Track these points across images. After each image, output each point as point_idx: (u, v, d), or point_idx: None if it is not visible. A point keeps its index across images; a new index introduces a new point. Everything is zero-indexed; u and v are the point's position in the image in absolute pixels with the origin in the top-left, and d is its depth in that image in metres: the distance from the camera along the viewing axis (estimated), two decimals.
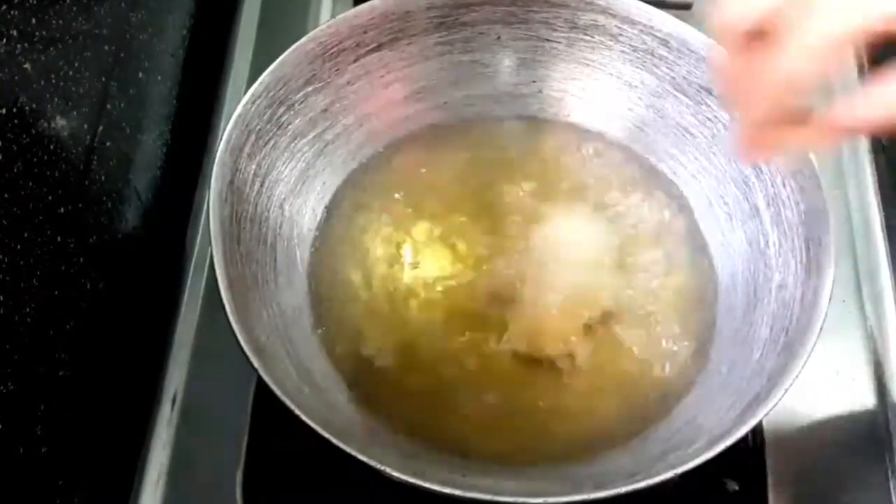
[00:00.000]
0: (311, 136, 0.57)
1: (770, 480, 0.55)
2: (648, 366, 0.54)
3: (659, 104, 0.59)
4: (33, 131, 0.46)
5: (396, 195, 0.58)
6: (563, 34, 0.59)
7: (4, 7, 0.43)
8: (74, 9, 0.50)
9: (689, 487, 0.50)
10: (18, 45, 0.45)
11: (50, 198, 0.48)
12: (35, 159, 0.46)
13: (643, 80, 0.59)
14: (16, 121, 0.44)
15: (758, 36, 0.36)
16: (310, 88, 0.56)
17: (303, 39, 0.56)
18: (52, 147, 0.48)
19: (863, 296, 0.60)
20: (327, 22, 0.57)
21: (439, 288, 0.55)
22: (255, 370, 0.45)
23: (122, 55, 0.57)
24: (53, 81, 0.48)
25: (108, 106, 0.55)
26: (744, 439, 0.52)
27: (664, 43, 0.57)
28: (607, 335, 0.54)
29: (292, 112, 0.56)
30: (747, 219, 0.56)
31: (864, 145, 0.66)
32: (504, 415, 0.52)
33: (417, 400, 0.52)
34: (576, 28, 0.59)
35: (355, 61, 0.58)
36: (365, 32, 0.57)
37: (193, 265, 0.61)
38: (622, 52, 0.59)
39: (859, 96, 0.37)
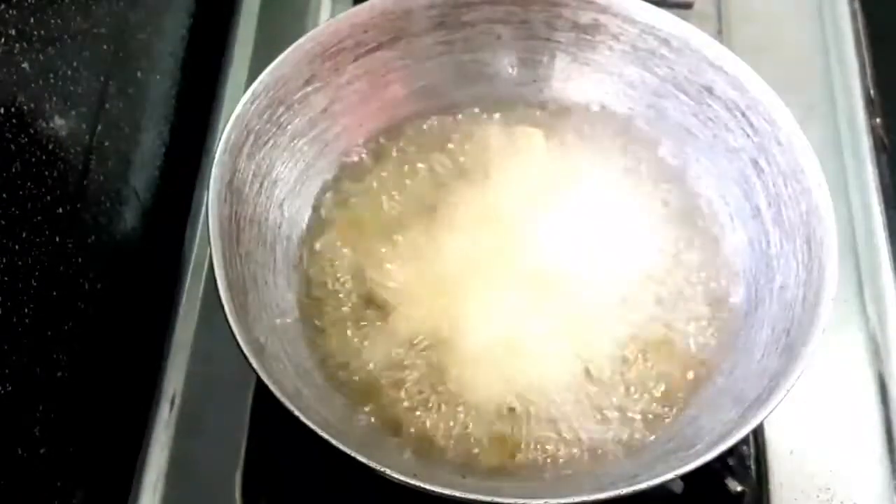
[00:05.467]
0: (310, 135, 0.57)
1: (771, 481, 0.55)
2: (649, 366, 0.53)
3: (660, 104, 0.59)
4: (31, 131, 0.46)
5: (397, 196, 0.58)
6: (563, 33, 0.59)
7: (3, 6, 0.43)
8: (73, 8, 0.50)
9: (691, 488, 0.50)
10: (17, 45, 0.44)
11: (48, 198, 0.48)
12: (33, 159, 0.46)
13: (644, 79, 0.59)
14: (14, 120, 0.44)
15: None
16: (309, 88, 0.56)
17: (302, 39, 0.56)
18: (50, 147, 0.48)
19: (864, 296, 0.60)
20: (327, 21, 0.57)
21: (440, 290, 0.55)
22: (254, 371, 0.45)
23: (120, 55, 0.57)
24: (52, 81, 0.48)
25: (107, 106, 0.55)
26: (745, 440, 0.52)
27: (665, 42, 0.57)
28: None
29: (292, 112, 0.56)
30: (749, 219, 0.56)
31: (866, 144, 0.66)
32: (505, 416, 0.52)
33: (417, 401, 0.52)
34: (577, 27, 0.59)
35: (355, 61, 0.58)
36: (365, 32, 0.57)
37: (192, 266, 0.61)
38: (623, 51, 0.59)
39: None
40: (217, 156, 0.51)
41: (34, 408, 0.48)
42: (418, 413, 0.51)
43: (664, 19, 0.57)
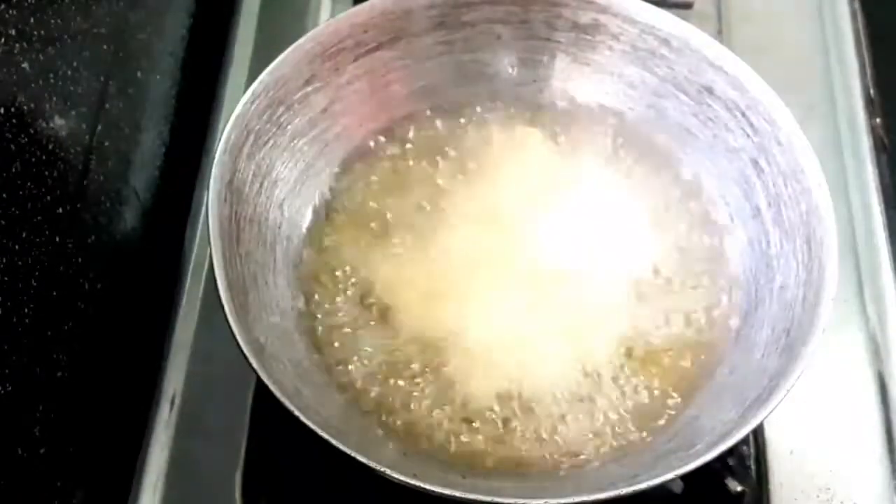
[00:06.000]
0: (310, 135, 0.57)
1: (771, 481, 0.54)
2: (648, 366, 0.53)
3: (660, 104, 0.59)
4: (31, 131, 0.46)
5: (396, 195, 0.58)
6: (563, 33, 0.59)
7: (3, 6, 0.43)
8: (73, 8, 0.50)
9: (691, 488, 0.50)
10: (17, 45, 0.44)
11: (48, 198, 0.48)
12: (33, 159, 0.46)
13: (644, 79, 0.59)
14: (14, 120, 0.44)
15: None
16: (309, 88, 0.56)
17: (302, 39, 0.55)
18: (50, 147, 0.48)
19: (864, 295, 0.60)
20: (327, 21, 0.57)
21: (439, 289, 0.55)
22: (254, 371, 0.45)
23: (120, 55, 0.57)
24: (52, 81, 0.48)
25: (107, 105, 0.55)
26: (745, 440, 0.52)
27: (665, 42, 0.57)
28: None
29: (291, 112, 0.56)
30: (748, 219, 0.56)
31: (866, 144, 0.66)
32: (504, 415, 0.52)
33: (416, 400, 0.52)
34: (577, 27, 0.59)
35: (355, 61, 0.57)
36: (365, 32, 0.57)
37: (192, 266, 0.61)
38: (623, 51, 0.59)
39: None
40: (217, 156, 0.51)
41: (34, 408, 0.47)
42: (417, 412, 0.51)
43: (664, 19, 0.57)
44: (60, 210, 0.49)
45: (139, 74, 0.60)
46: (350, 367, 0.52)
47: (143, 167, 0.62)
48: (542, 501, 0.43)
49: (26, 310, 0.46)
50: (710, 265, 0.56)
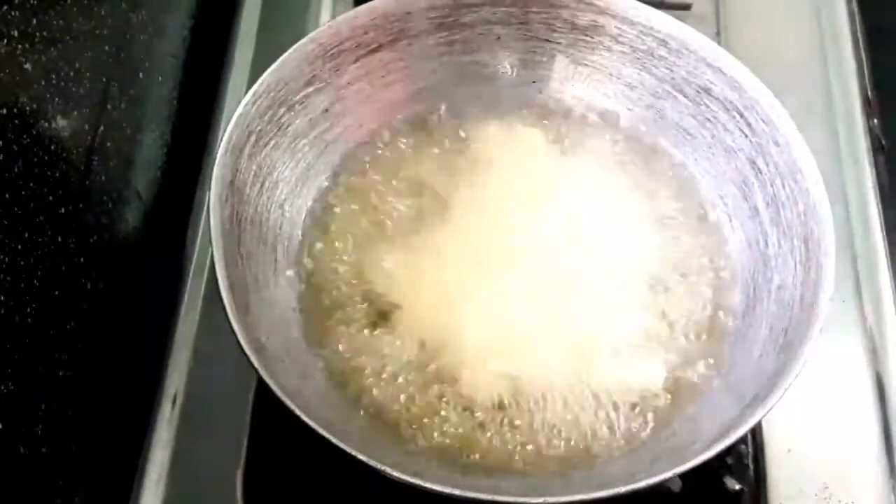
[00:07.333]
0: (311, 136, 0.57)
1: (770, 480, 0.55)
2: (647, 364, 0.54)
3: (658, 105, 0.59)
4: (34, 131, 0.46)
5: (397, 196, 0.58)
6: (562, 35, 0.59)
7: (5, 7, 0.43)
8: (75, 9, 0.50)
9: (690, 487, 0.50)
10: (19, 46, 0.45)
11: (50, 198, 0.48)
12: (35, 159, 0.46)
13: (643, 80, 0.59)
14: (16, 121, 0.44)
15: None
16: (310, 89, 0.56)
17: (303, 40, 0.56)
18: (52, 147, 0.48)
19: (862, 295, 0.60)
20: (328, 23, 0.57)
21: (439, 289, 0.55)
22: (256, 370, 0.45)
23: (122, 55, 0.57)
24: (54, 82, 0.48)
25: (109, 106, 0.55)
26: (744, 439, 0.52)
27: (663, 43, 0.57)
28: None
29: (293, 113, 0.56)
30: (746, 219, 0.56)
31: (863, 144, 0.66)
32: (505, 414, 0.52)
33: (417, 399, 0.52)
34: (575, 29, 0.59)
35: (355, 62, 0.58)
36: (365, 33, 0.57)
37: (194, 266, 0.61)
38: (622, 52, 0.59)
39: None
40: (218, 156, 0.51)
41: (36, 407, 0.48)
42: (418, 411, 0.51)
43: (662, 20, 0.57)
44: (63, 210, 0.49)
45: (141, 75, 0.60)
46: (351, 365, 0.53)
47: (145, 167, 0.62)
48: (542, 500, 0.43)
49: (28, 309, 0.46)
50: (707, 265, 0.56)
